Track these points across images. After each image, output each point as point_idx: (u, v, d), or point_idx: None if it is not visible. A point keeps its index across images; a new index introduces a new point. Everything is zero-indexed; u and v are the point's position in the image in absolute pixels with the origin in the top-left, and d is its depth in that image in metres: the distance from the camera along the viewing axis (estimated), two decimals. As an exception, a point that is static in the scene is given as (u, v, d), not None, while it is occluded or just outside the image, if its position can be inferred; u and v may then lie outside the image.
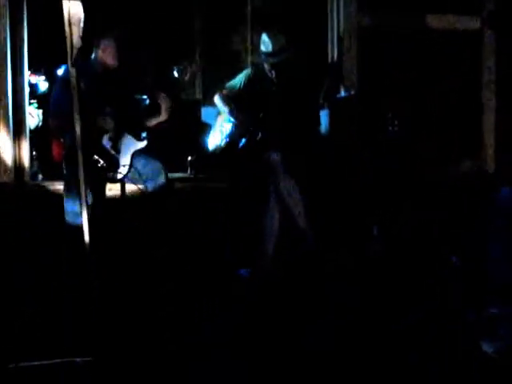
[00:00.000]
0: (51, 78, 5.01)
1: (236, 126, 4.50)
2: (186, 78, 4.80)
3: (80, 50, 3.00)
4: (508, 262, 3.40)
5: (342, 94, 4.62)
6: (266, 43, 4.42)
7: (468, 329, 3.37)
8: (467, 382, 2.92)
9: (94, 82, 4.10)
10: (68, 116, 4.09)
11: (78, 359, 3.00)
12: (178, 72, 4.61)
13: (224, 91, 4.60)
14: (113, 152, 4.09)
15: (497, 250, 3.44)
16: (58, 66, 4.90)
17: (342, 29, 4.89)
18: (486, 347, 3.19)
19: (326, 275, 3.99)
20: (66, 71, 4.24)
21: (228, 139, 4.51)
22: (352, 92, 4.46)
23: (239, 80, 4.59)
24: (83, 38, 4.17)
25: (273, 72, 4.44)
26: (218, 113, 4.69)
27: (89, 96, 4.03)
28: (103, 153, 4.06)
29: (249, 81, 4.56)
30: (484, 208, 3.78)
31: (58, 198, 4.29)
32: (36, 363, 2.98)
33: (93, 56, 4.22)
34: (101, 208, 4.01)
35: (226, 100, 4.57)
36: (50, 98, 4.22)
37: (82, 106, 3.71)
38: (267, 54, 4.41)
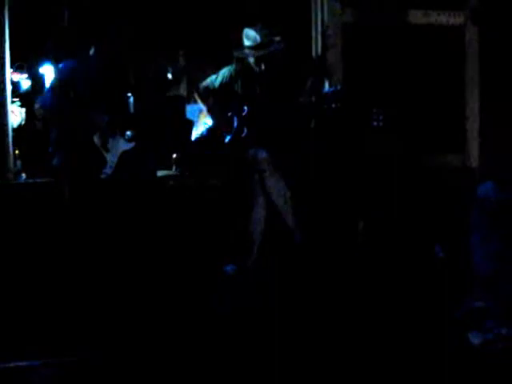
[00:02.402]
0: (34, 76, 4.96)
1: (217, 122, 4.49)
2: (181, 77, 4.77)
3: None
4: (489, 256, 3.42)
5: (328, 89, 4.61)
6: (251, 37, 4.40)
7: (455, 322, 3.40)
8: (455, 373, 2.95)
9: (91, 79, 4.11)
10: (55, 111, 4.12)
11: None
12: (171, 73, 4.58)
13: (204, 86, 4.59)
14: (102, 150, 4.09)
15: (478, 243, 3.46)
16: (41, 64, 4.86)
17: (325, 25, 4.89)
18: (474, 339, 3.23)
19: (314, 270, 4.00)
20: (62, 68, 4.23)
21: (208, 130, 4.50)
22: (338, 87, 4.45)
23: (221, 76, 4.57)
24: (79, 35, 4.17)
25: (262, 65, 4.42)
26: (201, 109, 4.67)
27: (84, 93, 4.05)
28: (92, 150, 4.06)
29: (231, 77, 4.54)
30: (467, 202, 3.80)
31: (41, 196, 4.27)
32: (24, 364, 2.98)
33: (91, 52, 4.20)
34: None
35: (205, 96, 4.56)
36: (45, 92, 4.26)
37: (73, 103, 3.72)
38: (254, 47, 4.40)
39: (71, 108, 4.08)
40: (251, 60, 4.46)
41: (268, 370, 2.96)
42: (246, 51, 4.44)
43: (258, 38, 4.38)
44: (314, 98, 4.53)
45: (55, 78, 4.28)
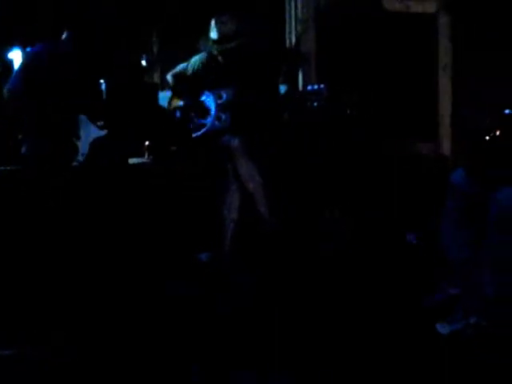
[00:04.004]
0: (2, 60, 4.88)
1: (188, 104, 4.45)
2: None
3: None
4: (460, 244, 3.45)
5: (310, 87, 4.53)
6: (213, 30, 4.37)
7: (424, 311, 3.43)
8: (422, 363, 2.97)
9: (62, 65, 4.03)
10: (21, 98, 4.04)
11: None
12: (146, 60, 4.51)
13: (175, 72, 4.55)
14: (74, 139, 4.03)
15: (450, 231, 3.49)
16: (10, 49, 4.78)
17: (299, 12, 4.87)
18: (441, 330, 3.26)
19: (286, 258, 4.01)
20: (28, 52, 4.15)
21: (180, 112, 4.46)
22: (321, 86, 4.36)
23: (193, 63, 4.52)
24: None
25: (219, 58, 4.40)
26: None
27: (53, 80, 3.97)
28: (63, 137, 3.99)
29: (202, 65, 4.50)
30: (440, 190, 3.83)
31: (12, 184, 4.21)
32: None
33: (64, 36, 4.11)
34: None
35: (177, 81, 4.52)
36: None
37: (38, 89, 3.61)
38: (212, 41, 4.36)
39: (37, 94, 4.00)
40: (214, 52, 4.42)
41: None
42: (209, 44, 4.40)
43: (215, 34, 4.31)
44: (295, 94, 4.46)
45: (21, 63, 4.19)
